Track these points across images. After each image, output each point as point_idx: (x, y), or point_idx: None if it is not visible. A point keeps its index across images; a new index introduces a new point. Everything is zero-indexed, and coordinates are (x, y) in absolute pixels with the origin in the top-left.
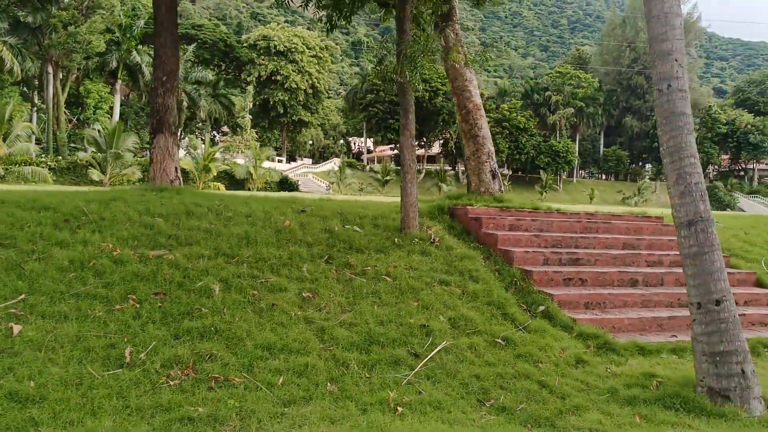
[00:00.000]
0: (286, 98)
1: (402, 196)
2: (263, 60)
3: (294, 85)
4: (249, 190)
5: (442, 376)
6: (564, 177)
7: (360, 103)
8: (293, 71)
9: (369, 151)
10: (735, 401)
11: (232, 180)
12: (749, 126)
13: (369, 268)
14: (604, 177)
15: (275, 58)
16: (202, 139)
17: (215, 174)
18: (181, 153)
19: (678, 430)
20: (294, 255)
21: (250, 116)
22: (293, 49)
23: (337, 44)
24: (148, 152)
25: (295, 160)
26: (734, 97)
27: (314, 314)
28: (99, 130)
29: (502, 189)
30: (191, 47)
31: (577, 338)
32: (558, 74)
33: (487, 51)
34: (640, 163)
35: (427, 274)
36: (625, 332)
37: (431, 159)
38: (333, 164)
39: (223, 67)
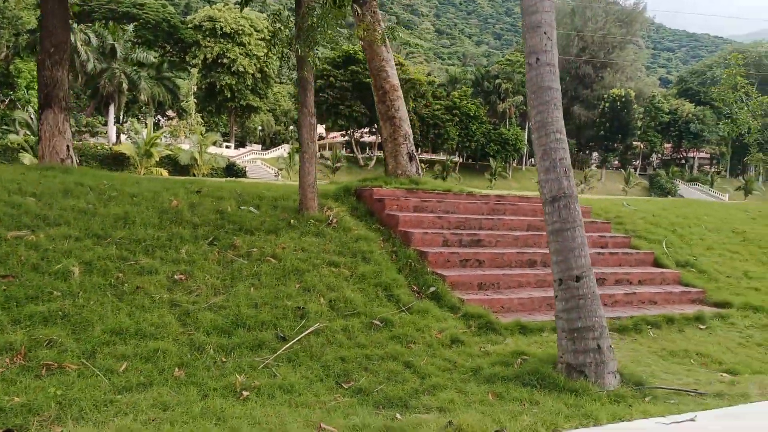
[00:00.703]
0: (234, 82)
1: (300, 177)
2: (209, 42)
3: (241, 69)
4: (194, 176)
5: (305, 359)
6: (514, 165)
7: None
8: (240, 54)
9: (321, 138)
10: (590, 376)
11: (176, 166)
12: (690, 115)
13: (255, 249)
14: None
15: (221, 40)
16: (145, 123)
17: (158, 159)
18: (123, 137)
19: (523, 407)
20: (175, 236)
21: (196, 100)
22: (240, 32)
23: (287, 27)
24: (89, 135)
25: (245, 146)
26: (677, 87)
27: (182, 297)
28: (31, 112)
29: (420, 171)
30: (131, 27)
31: (461, 319)
32: (508, 62)
33: (395, 29)
34: (587, 152)
35: (316, 255)
36: (513, 312)
37: (382, 146)
38: (283, 150)
39: (167, 49)
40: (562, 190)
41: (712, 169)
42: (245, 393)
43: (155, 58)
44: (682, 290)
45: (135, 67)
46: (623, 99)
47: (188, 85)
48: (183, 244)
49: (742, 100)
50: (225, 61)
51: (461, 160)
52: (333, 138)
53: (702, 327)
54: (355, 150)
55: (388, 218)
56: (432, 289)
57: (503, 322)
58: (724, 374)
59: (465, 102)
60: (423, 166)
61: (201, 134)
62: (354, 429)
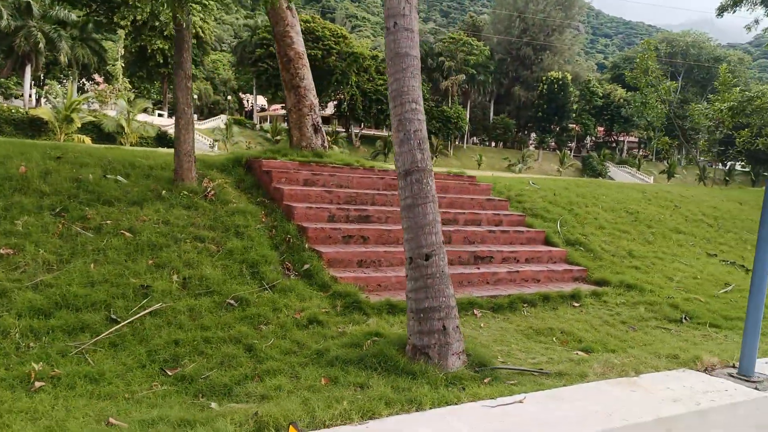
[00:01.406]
0: (166, 47)
1: (175, 145)
2: (138, 2)
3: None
4: (121, 144)
5: (131, 344)
6: (456, 143)
7: (249, 57)
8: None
9: (263, 109)
10: (434, 358)
11: (100, 133)
12: (621, 100)
13: (109, 222)
14: (493, 144)
15: (153, 1)
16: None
17: (79, 126)
18: (43, 102)
19: (353, 392)
20: (14, 206)
21: (124, 65)
22: None
23: None
24: (1, 98)
25: None
26: (611, 72)
27: (2, 275)
28: None
29: (325, 144)
30: None
31: (329, 298)
32: (451, 40)
33: None
34: (526, 132)
35: (182, 229)
36: (389, 290)
37: (325, 120)
38: (220, 121)
39: (93, 8)
40: (415, 164)
41: (640, 153)
42: (39, 383)
43: (79, 17)
44: (565, 268)
45: (55, 26)
46: (560, 82)
47: (116, 47)
48: (22, 214)
49: (652, 84)
50: (156, 23)
51: None
52: (275, 110)
53: (576, 305)
54: None
55: (274, 192)
56: (306, 266)
57: (373, 301)
58: (579, 352)
59: None
60: (349, 141)
61: (128, 100)
62: (147, 423)
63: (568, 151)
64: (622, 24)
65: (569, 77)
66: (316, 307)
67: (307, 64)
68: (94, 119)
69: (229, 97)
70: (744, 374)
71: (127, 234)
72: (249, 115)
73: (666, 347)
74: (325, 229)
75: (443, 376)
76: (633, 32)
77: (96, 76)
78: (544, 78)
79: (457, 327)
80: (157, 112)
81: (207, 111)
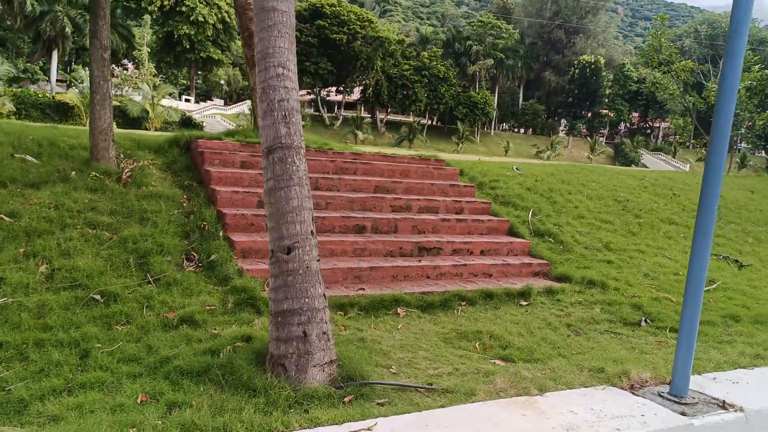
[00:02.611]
0: (193, 32)
1: (90, 122)
2: None
3: (201, 19)
4: (146, 129)
5: None
6: (484, 130)
7: None
8: (200, 2)
9: None
10: (290, 370)
11: (126, 118)
12: (656, 84)
13: None
14: (522, 131)
15: None
16: None
17: None
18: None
19: (158, 415)
20: None
21: (149, 50)
22: None
23: None
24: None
25: (212, 100)
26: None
27: None
28: None
29: None
30: None
31: (225, 293)
32: (480, 24)
33: None
34: (556, 118)
35: (76, 215)
36: None
37: (350, 105)
38: (245, 106)
39: None
40: (278, 140)
41: (676, 139)
42: None
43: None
44: (524, 262)
45: (81, 11)
46: (593, 66)
47: (141, 33)
48: None
49: (666, 63)
50: (183, 9)
51: (430, 122)
52: (302, 97)
53: (524, 303)
54: (321, 109)
55: (204, 174)
56: (213, 257)
57: None
58: (498, 361)
59: (435, 63)
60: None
61: (152, 86)
62: None
63: (601, 138)
64: (664, 5)
65: (602, 61)
66: (199, 305)
67: None
68: (118, 104)
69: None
70: (675, 394)
71: (6, 218)
72: None
73: (599, 357)
74: (247, 216)
75: (291, 394)
76: (675, 14)
77: (126, 62)
78: (576, 62)
79: (325, 334)
80: (184, 97)
81: (236, 96)
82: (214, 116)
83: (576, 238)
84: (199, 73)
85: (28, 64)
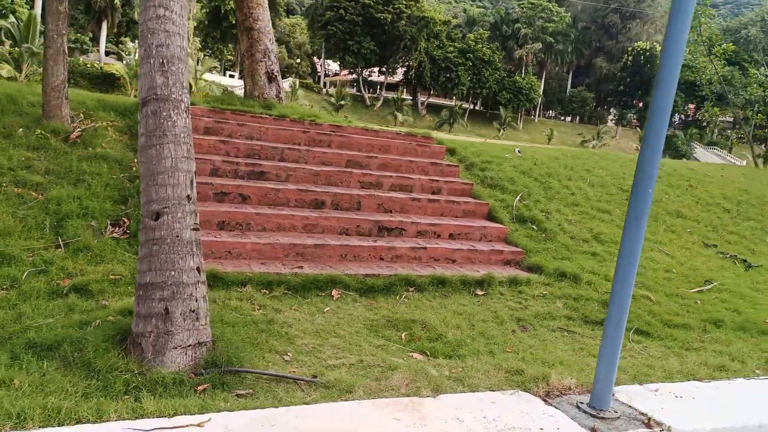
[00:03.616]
0: None
1: (43, 77)
2: None
3: None
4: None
5: None
6: (528, 117)
7: (319, 20)
8: None
9: (336, 74)
10: (147, 351)
11: None
12: (717, 75)
13: None
14: (569, 119)
15: None
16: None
17: None
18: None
19: None
20: None
21: (195, 23)
22: None
23: None
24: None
25: None
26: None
27: None
28: (13, 22)
29: (281, 95)
30: None
31: None
32: (530, 5)
33: None
34: (605, 107)
35: (6, 171)
36: (239, 259)
37: (392, 87)
38: (286, 84)
39: None
40: (153, 90)
41: (734, 133)
42: None
43: None
44: (494, 249)
45: None
46: (648, 53)
47: (189, 6)
48: None
49: (705, 44)
50: None
51: (472, 106)
52: (344, 76)
53: (479, 293)
54: (362, 89)
55: None
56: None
57: None
58: (417, 354)
59: (480, 46)
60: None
61: (196, 60)
62: None
63: None
64: None
65: (658, 48)
66: (101, 274)
67: (264, 4)
68: None
69: (299, 61)
70: (594, 406)
71: None
72: (321, 79)
73: (529, 358)
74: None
75: (134, 378)
76: (743, 1)
77: None
78: (630, 48)
79: (193, 312)
80: (228, 73)
81: (281, 74)
82: None
83: (563, 226)
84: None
85: (79, 35)
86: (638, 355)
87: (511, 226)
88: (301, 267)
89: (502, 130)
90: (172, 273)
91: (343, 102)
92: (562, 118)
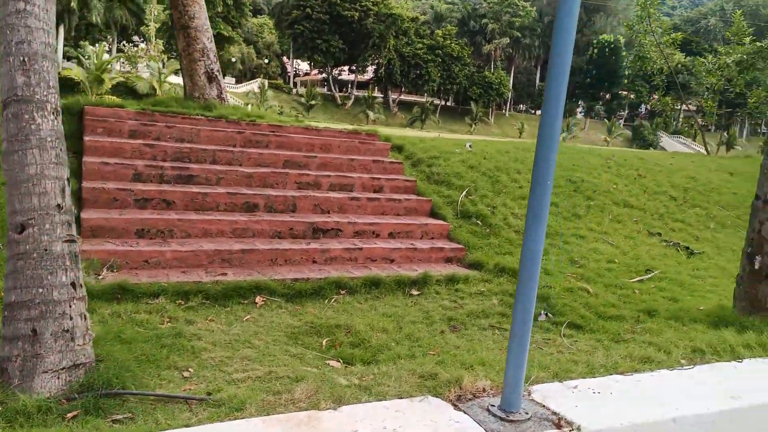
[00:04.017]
0: None
1: None
2: None
3: None
4: None
5: None
6: (500, 111)
7: (285, 19)
8: None
9: (307, 74)
10: (14, 377)
11: (134, 94)
12: (679, 65)
13: None
14: (538, 112)
15: None
16: (107, 50)
17: (110, 86)
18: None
19: None
20: None
21: (156, 25)
22: None
23: None
24: None
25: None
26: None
27: None
28: None
29: (223, 95)
30: None
31: None
32: (496, 1)
33: None
34: (574, 99)
35: None
36: (157, 268)
37: (363, 85)
38: (255, 85)
39: None
40: (13, 91)
41: (698, 123)
42: None
43: None
44: (434, 247)
45: None
46: (612, 45)
47: (149, 8)
48: None
49: (652, 34)
50: None
51: (443, 103)
52: (314, 75)
53: (415, 293)
54: (333, 88)
55: (85, 144)
56: None
57: (105, 283)
58: (334, 362)
59: (449, 42)
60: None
61: (158, 62)
62: None
63: (620, 120)
64: None
65: (622, 40)
66: None
67: (201, 1)
68: (125, 80)
69: (268, 61)
70: (504, 409)
71: None
72: (291, 79)
73: (451, 359)
74: (110, 190)
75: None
76: None
77: (136, 38)
78: (595, 42)
79: (67, 332)
80: None
81: (250, 75)
82: None
83: (508, 220)
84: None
85: None
86: (566, 351)
87: (454, 223)
88: (225, 274)
89: (473, 126)
90: (40, 290)
91: (313, 102)
92: (533, 112)
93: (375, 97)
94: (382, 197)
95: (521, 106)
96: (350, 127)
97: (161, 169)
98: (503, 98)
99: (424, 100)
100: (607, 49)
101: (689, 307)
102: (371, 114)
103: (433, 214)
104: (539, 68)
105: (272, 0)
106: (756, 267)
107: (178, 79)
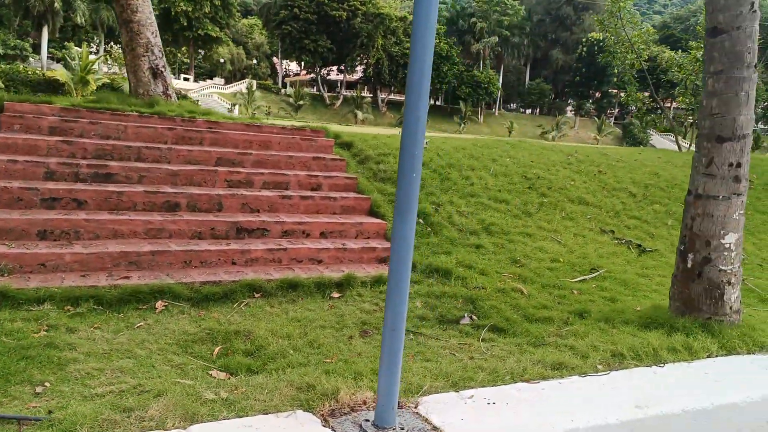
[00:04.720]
0: (190, 9)
1: None
2: None
3: None
4: None
5: None
6: (489, 110)
7: (273, 20)
8: None
9: (297, 74)
10: None
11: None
12: (669, 63)
13: None
14: (529, 111)
15: None
16: (94, 51)
17: (95, 87)
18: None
19: None
20: None
21: None
22: None
23: None
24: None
25: (212, 79)
26: (659, 33)
27: None
28: None
29: (170, 92)
30: None
31: None
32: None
33: None
34: (564, 98)
35: None
36: (61, 272)
37: (353, 85)
38: (243, 86)
39: None
40: None
41: (688, 120)
42: None
43: None
44: (366, 247)
45: None
46: (601, 43)
47: None
48: None
49: (623, 29)
50: None
51: (433, 102)
52: (304, 76)
53: (336, 296)
54: (321, 88)
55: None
56: None
57: None
58: (218, 373)
59: (437, 41)
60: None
61: None
62: None
63: (611, 118)
64: None
65: (611, 38)
66: None
67: None
68: (110, 81)
69: (258, 62)
70: (377, 424)
71: None
72: (281, 80)
73: (341, 368)
74: (11, 189)
75: None
76: None
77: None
78: (584, 40)
79: None
80: (183, 76)
81: (240, 75)
82: (211, 95)
83: (453, 219)
84: (200, 51)
85: (18, 41)
86: (478, 357)
87: (391, 222)
88: (129, 277)
89: (462, 125)
90: None
91: (302, 102)
92: (523, 110)
93: (363, 97)
94: (317, 195)
95: (511, 105)
96: (298, 123)
97: (77, 167)
98: (492, 97)
99: None
100: (596, 47)
101: (626, 308)
102: (360, 114)
103: (372, 212)
104: (528, 67)
105: (261, 0)
106: (689, 265)
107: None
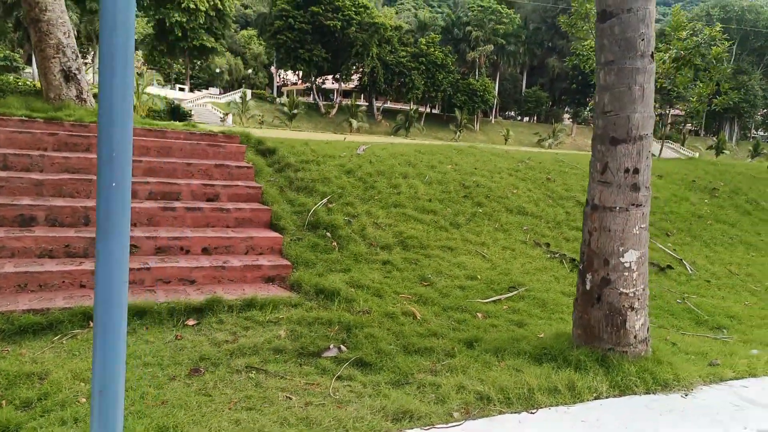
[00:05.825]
0: (184, 20)
1: None
2: None
3: (193, 6)
4: None
5: None
6: (485, 118)
7: (269, 30)
8: None
9: (294, 83)
10: None
11: None
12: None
13: None
14: (526, 119)
15: None
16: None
17: None
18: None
19: None
20: None
21: (138, 38)
22: None
23: None
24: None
25: (207, 89)
26: (658, 39)
27: None
28: None
29: (85, 96)
30: None
31: None
32: (480, 8)
33: None
34: (561, 105)
35: None
36: None
37: (348, 94)
38: (237, 96)
39: None
40: None
41: (686, 127)
42: None
43: None
44: (250, 264)
45: None
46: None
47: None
48: None
49: (591, 33)
50: None
51: (428, 110)
52: (301, 85)
53: (191, 323)
54: (316, 97)
55: None
56: None
57: None
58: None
59: (433, 49)
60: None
61: (138, 74)
62: None
63: None
64: None
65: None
66: None
67: None
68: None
69: (251, 72)
70: None
71: None
72: (278, 89)
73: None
74: None
75: None
76: None
77: None
78: (580, 47)
79: None
80: (177, 86)
81: (237, 85)
82: (205, 105)
83: (365, 232)
84: (196, 62)
85: (8, 53)
86: (317, 402)
87: (295, 235)
88: None
89: (458, 133)
90: None
91: (296, 111)
92: (519, 118)
93: (359, 106)
94: (208, 207)
95: (509, 112)
96: (218, 129)
97: None
98: (488, 105)
99: (408, 107)
100: (592, 54)
101: (528, 335)
102: (354, 122)
103: (272, 225)
104: (525, 74)
105: (260, 10)
106: (587, 287)
107: (159, 90)
